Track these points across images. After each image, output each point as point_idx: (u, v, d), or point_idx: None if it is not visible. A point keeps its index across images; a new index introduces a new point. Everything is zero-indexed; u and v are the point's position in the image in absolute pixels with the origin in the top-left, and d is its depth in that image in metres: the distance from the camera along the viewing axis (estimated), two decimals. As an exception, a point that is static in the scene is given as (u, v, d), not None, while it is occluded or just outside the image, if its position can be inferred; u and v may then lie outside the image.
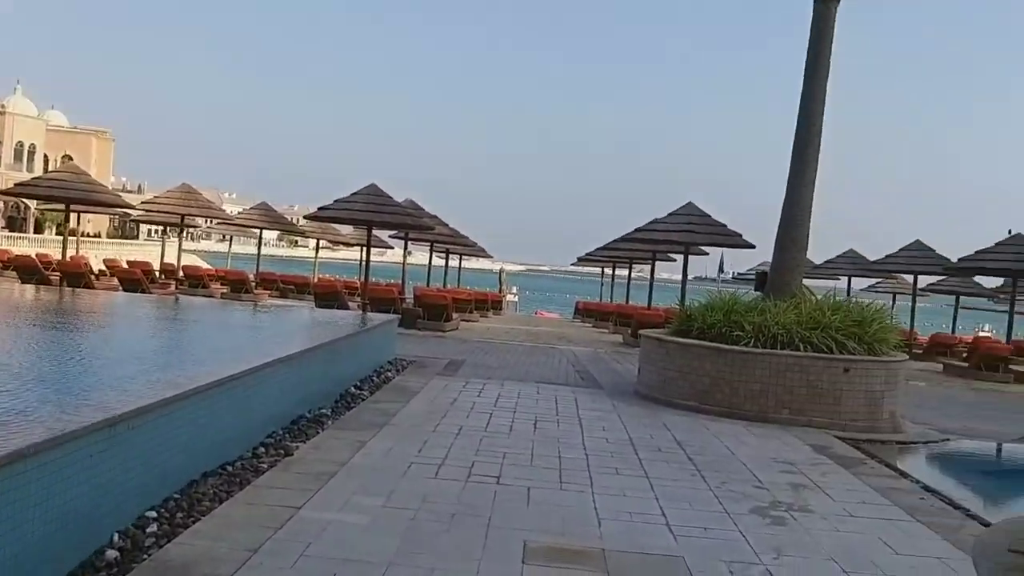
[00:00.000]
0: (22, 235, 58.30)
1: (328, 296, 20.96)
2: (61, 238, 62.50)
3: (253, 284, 29.28)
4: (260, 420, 7.05)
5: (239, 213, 32.99)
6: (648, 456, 7.72)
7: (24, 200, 58.58)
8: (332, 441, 7.33)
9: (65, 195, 21.44)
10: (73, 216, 59.78)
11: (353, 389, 9.99)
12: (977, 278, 30.78)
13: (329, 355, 9.24)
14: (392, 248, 39.10)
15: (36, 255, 27.30)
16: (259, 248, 32.82)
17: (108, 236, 72.92)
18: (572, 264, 45.89)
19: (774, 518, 5.92)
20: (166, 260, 32.86)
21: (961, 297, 33.61)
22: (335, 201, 20.34)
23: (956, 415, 13.07)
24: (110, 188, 39.88)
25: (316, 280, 28.57)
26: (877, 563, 5.08)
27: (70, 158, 77.86)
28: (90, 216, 67.58)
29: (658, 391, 11.13)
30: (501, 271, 50.01)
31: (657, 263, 28.03)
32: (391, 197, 20.52)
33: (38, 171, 60.47)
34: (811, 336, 10.29)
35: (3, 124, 69.24)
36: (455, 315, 22.75)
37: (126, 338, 9.80)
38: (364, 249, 21.68)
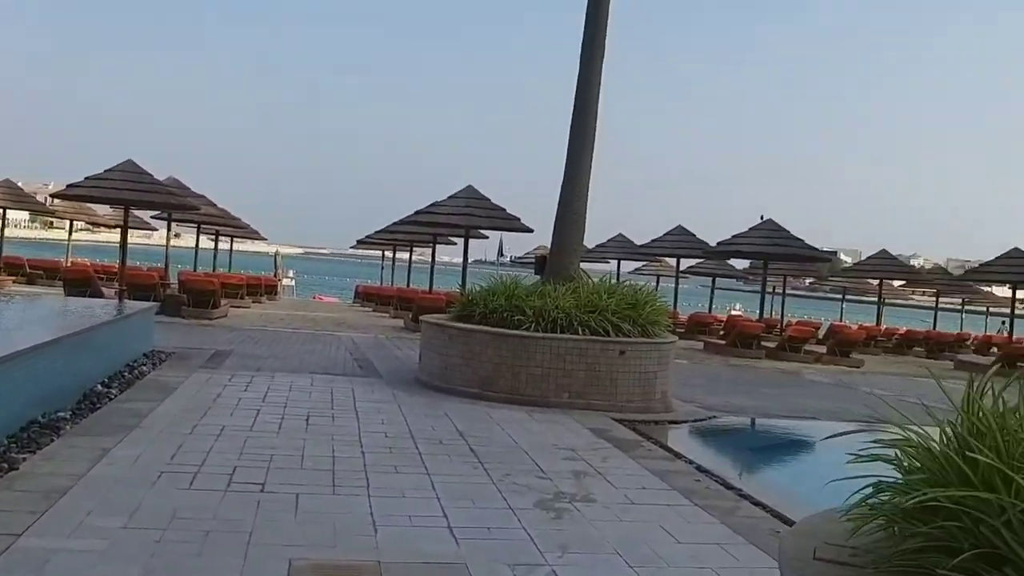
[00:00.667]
0: None
1: (79, 282, 19.01)
2: None
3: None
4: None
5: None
6: (429, 450, 7.35)
7: None
8: (68, 450, 6.39)
9: None
10: None
11: (100, 387, 8.90)
12: (731, 260, 33.04)
13: (68, 350, 8.14)
14: (156, 230, 36.49)
15: None
16: (1, 229, 29.43)
17: None
18: (352, 247, 44.89)
19: (558, 511, 5.72)
20: None
21: (716, 278, 36.02)
22: (86, 178, 18.40)
23: (718, 391, 13.70)
24: None
25: (68, 265, 25.91)
26: (660, 554, 4.97)
27: None
28: None
29: (440, 379, 10.80)
30: (276, 254, 47.96)
31: (438, 246, 27.83)
32: (151, 174, 18.87)
33: None
34: (589, 319, 10.33)
35: None
36: (224, 301, 21.41)
37: None
38: (122, 231, 19.80)
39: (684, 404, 11.32)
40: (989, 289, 39.80)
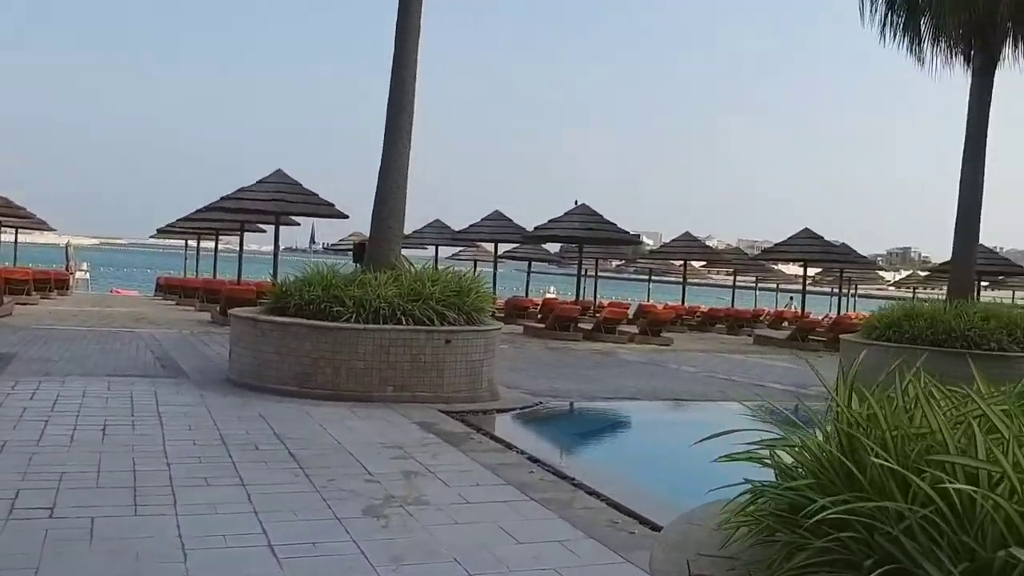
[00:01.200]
0: None
1: None
2: None
3: None
4: None
5: None
6: (244, 457, 6.77)
7: None
8: None
9: None
10: None
11: None
12: (546, 244, 33.59)
13: None
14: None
15: None
16: None
17: None
18: (152, 237, 42.18)
19: (389, 518, 5.36)
20: None
21: (532, 262, 36.57)
22: None
23: (541, 376, 13.71)
24: None
25: None
26: (501, 557, 4.72)
27: None
28: None
29: (254, 376, 10.12)
30: (68, 245, 44.34)
31: (246, 234, 26.48)
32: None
33: None
34: (413, 308, 9.97)
35: None
36: (8, 298, 19.41)
37: None
38: None
39: (510, 391, 11.20)
40: (780, 268, 42.61)
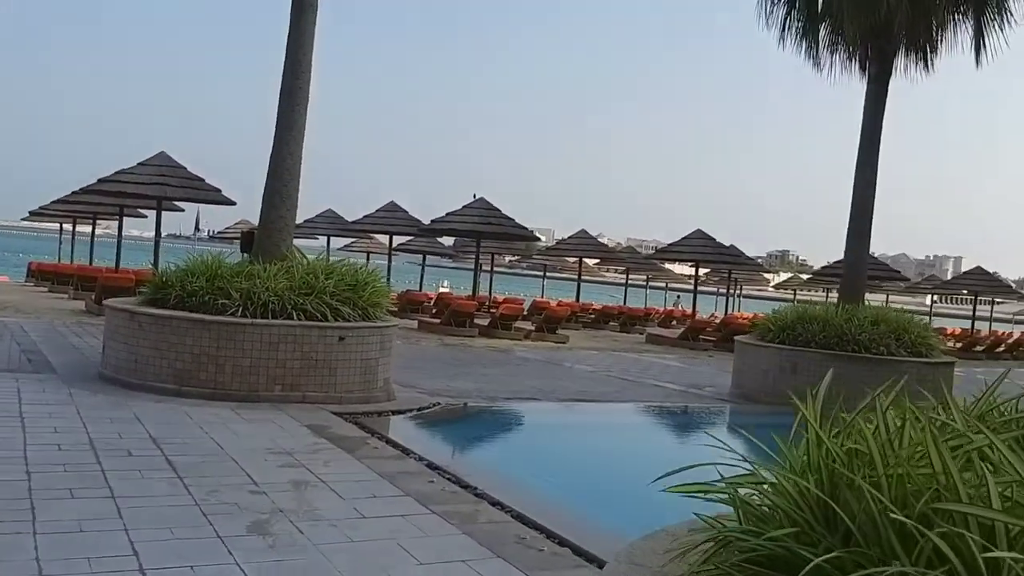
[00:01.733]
0: None
1: None
2: None
3: None
4: None
5: None
6: (115, 465, 6.16)
7: None
8: None
9: None
10: None
11: None
12: (440, 238, 33.17)
13: None
14: None
15: None
16: None
17: None
18: (24, 219, 39.67)
19: (278, 536, 4.89)
20: None
21: (427, 256, 36.08)
22: None
23: (438, 374, 13.33)
24: None
25: None
26: (402, 580, 4.35)
27: None
28: None
29: (129, 373, 9.38)
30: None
31: (126, 219, 25.08)
32: None
33: None
34: (305, 303, 9.42)
35: None
36: None
37: None
38: None
39: (405, 390, 10.77)
40: (669, 267, 43.37)
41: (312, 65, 10.73)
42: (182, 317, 9.23)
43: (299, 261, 10.37)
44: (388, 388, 10.13)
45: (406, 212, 26.03)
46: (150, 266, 16.97)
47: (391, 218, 25.75)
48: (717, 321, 28.87)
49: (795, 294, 49.65)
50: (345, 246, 35.92)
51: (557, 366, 16.41)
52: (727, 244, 27.73)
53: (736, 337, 14.79)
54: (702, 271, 29.56)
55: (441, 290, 38.81)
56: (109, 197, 20.82)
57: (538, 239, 24.76)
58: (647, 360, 19.46)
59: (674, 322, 34.44)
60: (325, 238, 30.03)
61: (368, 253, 35.18)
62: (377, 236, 32.44)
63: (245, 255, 11.09)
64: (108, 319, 10.02)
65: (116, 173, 18.77)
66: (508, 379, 13.82)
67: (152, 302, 9.79)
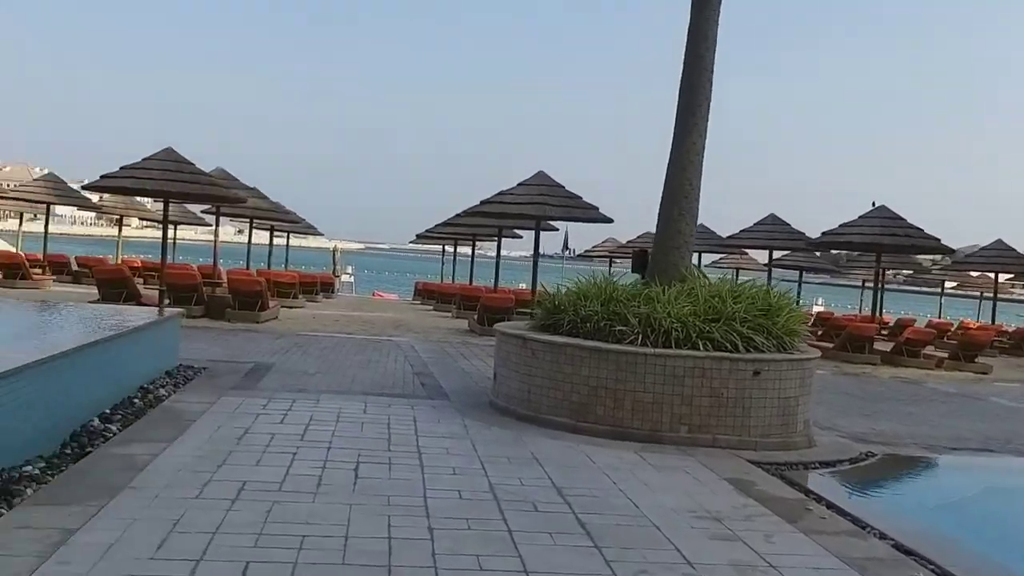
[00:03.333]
0: None
1: (114, 283, 17.30)
2: None
3: (43, 268, 25.07)
4: None
5: (19, 186, 28.28)
6: (522, 523, 5.24)
7: None
8: (16, 533, 4.46)
9: None
10: None
11: (97, 422, 7.01)
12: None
13: (47, 376, 6.22)
14: (208, 225, 35.06)
15: None
16: (46, 225, 28.28)
17: None
18: (411, 242, 43.06)
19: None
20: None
21: (804, 271, 33.31)
22: (122, 168, 16.75)
23: (851, 411, 11.39)
24: None
25: (110, 264, 24.26)
26: None
27: None
28: None
29: (521, 404, 8.70)
30: (335, 250, 46.44)
31: (495, 239, 25.73)
32: (192, 163, 17.12)
33: None
34: (712, 331, 8.12)
35: None
36: (275, 302, 19.62)
37: None
38: (163, 225, 18.10)
39: (823, 432, 9.08)
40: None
41: (716, 56, 9.46)
42: (577, 345, 8.34)
43: (701, 282, 9.11)
44: (808, 432, 8.51)
45: (787, 225, 23.91)
46: (527, 286, 16.77)
47: (771, 231, 23.76)
48: None
49: None
50: (713, 262, 34.34)
51: (987, 402, 13.59)
52: None
53: None
54: None
55: (816, 308, 35.80)
56: (489, 219, 21.23)
57: (951, 251, 21.34)
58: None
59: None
60: (696, 255, 28.70)
61: (736, 269, 33.30)
62: (747, 251, 30.49)
63: (638, 276, 10.06)
64: (499, 345, 9.46)
65: (497, 195, 18.96)
66: (939, 420, 11.45)
67: (544, 327, 9.06)
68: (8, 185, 37.67)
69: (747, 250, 30.40)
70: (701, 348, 8.00)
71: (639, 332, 8.20)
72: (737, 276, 31.45)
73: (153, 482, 5.56)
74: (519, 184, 18.44)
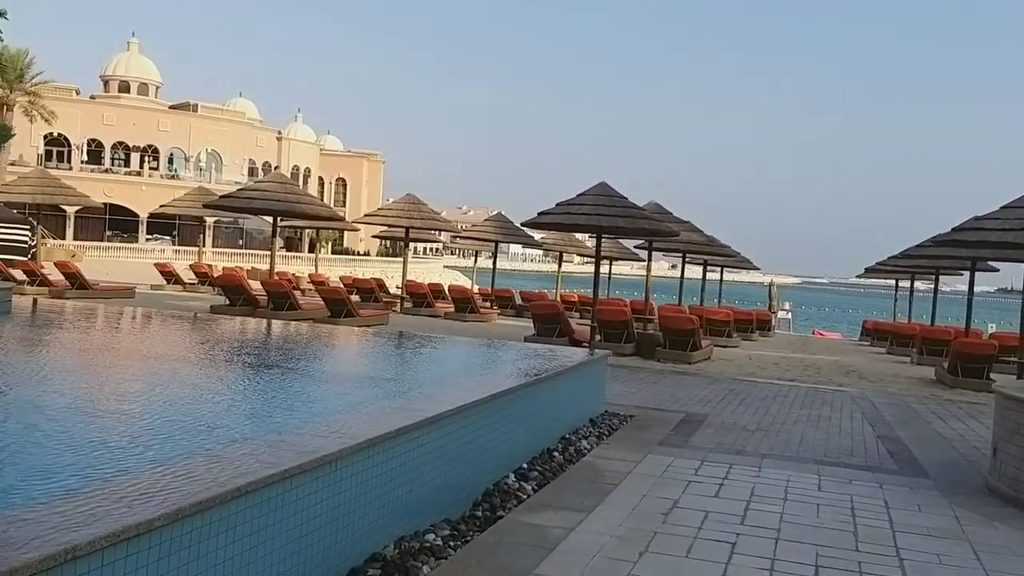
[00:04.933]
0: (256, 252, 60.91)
1: (548, 318, 17.33)
2: (329, 256, 64.14)
3: (491, 302, 26.85)
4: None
5: (472, 226, 30.68)
6: None
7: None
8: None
9: (267, 207, 19.64)
10: (330, 233, 61.12)
11: (512, 479, 6.28)
12: None
13: (461, 429, 5.56)
14: (641, 260, 35.22)
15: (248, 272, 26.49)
16: (494, 262, 30.28)
17: (378, 254, 74.92)
18: (857, 276, 39.42)
19: None
20: (415, 278, 31.48)
21: None
22: (557, 205, 16.84)
23: None
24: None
25: (547, 300, 24.99)
26: None
27: (343, 181, 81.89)
28: (362, 235, 69.61)
29: (1038, 496, 6.42)
30: (771, 284, 44.19)
31: (963, 275, 21.94)
32: (625, 197, 16.67)
33: (312, 193, 62.66)
34: None
35: (282, 149, 73.33)
36: (707, 341, 18.43)
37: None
38: (595, 260, 17.90)
39: None
40: None
41: None
42: None
43: None
44: None
45: None
46: (993, 327, 13.59)
47: None
48: None
49: None
50: None
51: None
52: None
53: None
54: None
55: None
56: (960, 248, 17.97)
57: None
58: None
59: None
60: None
61: None
62: None
63: None
64: (1001, 411, 7.18)
65: (970, 220, 15.85)
66: None
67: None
68: (465, 226, 41.43)
69: None
70: None
71: None
72: None
73: (561, 574, 4.54)
74: (1003, 207, 15.21)
